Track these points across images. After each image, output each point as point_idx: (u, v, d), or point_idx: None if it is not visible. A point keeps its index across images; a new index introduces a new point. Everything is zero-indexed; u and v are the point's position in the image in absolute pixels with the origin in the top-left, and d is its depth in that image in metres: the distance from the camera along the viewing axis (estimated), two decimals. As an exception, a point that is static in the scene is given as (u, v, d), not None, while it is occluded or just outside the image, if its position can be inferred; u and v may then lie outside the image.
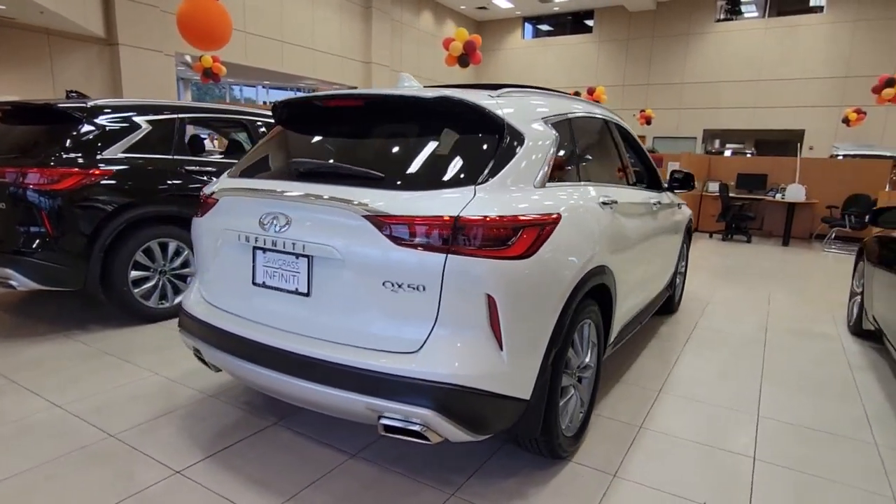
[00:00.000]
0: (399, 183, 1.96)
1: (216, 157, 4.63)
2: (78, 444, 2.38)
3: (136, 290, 3.88)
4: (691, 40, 20.50)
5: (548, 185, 2.16)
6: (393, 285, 1.83)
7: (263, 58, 15.31)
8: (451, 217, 1.80)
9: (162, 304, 4.05)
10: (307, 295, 2.01)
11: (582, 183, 2.53)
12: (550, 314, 2.03)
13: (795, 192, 8.92)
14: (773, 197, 9.44)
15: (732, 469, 2.37)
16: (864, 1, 17.71)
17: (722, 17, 20.47)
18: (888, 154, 14.06)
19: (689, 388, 3.19)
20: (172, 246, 4.06)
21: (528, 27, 24.91)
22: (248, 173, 2.38)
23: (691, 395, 3.09)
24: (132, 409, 2.71)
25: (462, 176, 1.95)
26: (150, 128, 4.03)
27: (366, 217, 1.86)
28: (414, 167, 2.03)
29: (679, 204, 4.37)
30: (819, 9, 18.80)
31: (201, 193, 2.45)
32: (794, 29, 18.92)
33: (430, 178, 1.96)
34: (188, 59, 14.41)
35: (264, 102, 20.41)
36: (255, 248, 2.14)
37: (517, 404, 1.96)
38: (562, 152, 2.38)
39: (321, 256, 1.95)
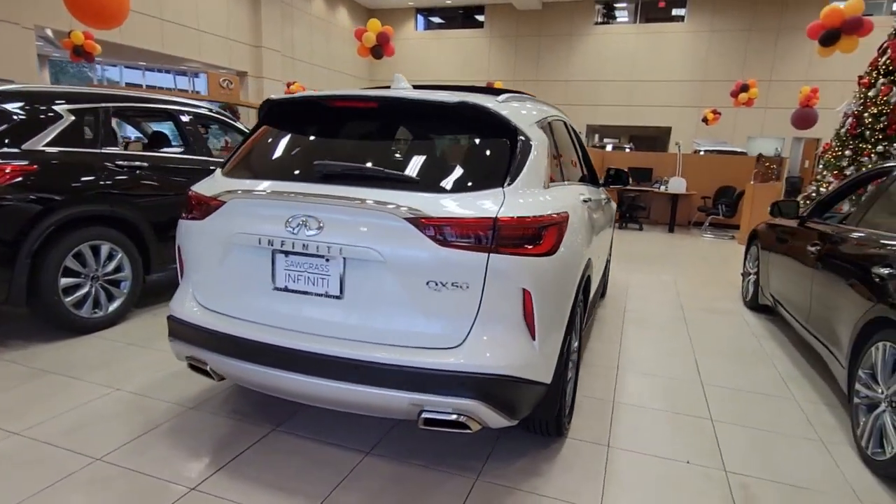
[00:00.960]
0: (430, 185, 2.03)
1: (150, 151, 4.25)
2: (63, 471, 2.16)
3: (67, 300, 3.49)
4: (574, 41, 21.93)
5: (549, 185, 2.35)
6: (436, 284, 1.91)
7: (141, 37, 13.93)
8: (490, 218, 1.91)
9: (96, 312, 3.69)
10: (339, 297, 2.02)
11: (565, 182, 2.75)
12: (567, 305, 2.23)
13: (678, 185, 10.03)
14: (659, 189, 10.54)
15: (698, 430, 2.75)
16: (718, 14, 20.10)
17: (600, 20, 22.12)
18: (739, 150, 16.23)
19: (640, 364, 3.59)
20: (105, 249, 3.70)
21: (421, 19, 25.09)
22: (253, 174, 2.29)
23: (644, 371, 3.48)
24: (108, 430, 2.49)
25: (488, 179, 2.06)
26: (74, 118, 3.62)
27: (408, 219, 1.91)
28: (441, 170, 2.11)
29: (608, 198, 4.80)
30: (681, 18, 21.02)
31: (195, 194, 2.31)
32: (661, 35, 20.97)
33: (459, 181, 2.05)
34: (49, 32, 12.74)
35: (126, 84, 18.49)
36: (275, 251, 2.08)
37: (542, 388, 2.13)
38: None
39: (357, 259, 1.97)
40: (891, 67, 9.56)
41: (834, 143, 10.20)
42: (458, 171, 2.11)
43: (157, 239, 4.04)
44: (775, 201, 4.14)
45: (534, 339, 2.01)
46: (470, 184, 2.04)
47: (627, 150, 19.92)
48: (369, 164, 2.15)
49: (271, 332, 2.09)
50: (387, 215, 1.93)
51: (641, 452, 2.51)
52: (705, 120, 18.76)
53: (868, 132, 9.70)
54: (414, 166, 2.15)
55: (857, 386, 2.64)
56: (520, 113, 2.34)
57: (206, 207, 2.24)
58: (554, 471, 2.33)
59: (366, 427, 2.60)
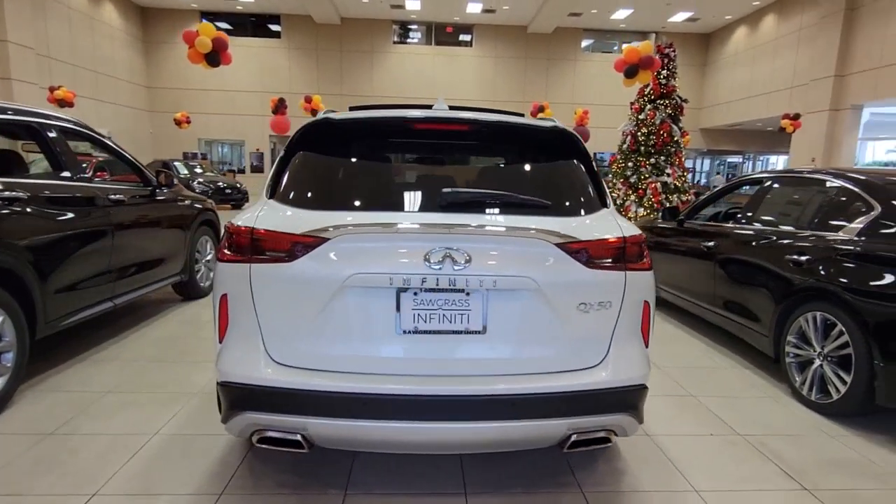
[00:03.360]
0: (557, 209, 2.06)
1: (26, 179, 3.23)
2: None
3: (-59, 388, 2.49)
4: (376, 57, 22.50)
5: None
6: (586, 305, 1.95)
7: None
8: (621, 238, 2.02)
9: (-23, 400, 2.69)
10: (481, 332, 1.90)
11: None
12: None
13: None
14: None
15: (693, 406, 3.21)
16: (499, 42, 22.64)
17: (397, 39, 23.10)
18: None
19: (599, 358, 3.98)
20: (-17, 311, 2.73)
21: (206, 23, 22.97)
22: (341, 205, 2.00)
23: (609, 363, 3.87)
24: (138, 546, 1.90)
25: (592, 200, 2.16)
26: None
27: (558, 245, 1.91)
28: (556, 194, 2.14)
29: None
30: (468, 43, 23.15)
31: (269, 231, 1.91)
32: (455, 58, 22.79)
33: (575, 204, 2.12)
34: None
35: None
36: (400, 291, 1.86)
37: None
38: None
39: (505, 289, 1.88)
40: (653, 96, 12.02)
41: (619, 157, 12.47)
42: (571, 194, 2.15)
43: (42, 289, 3.11)
44: (665, 208, 5.00)
45: (646, 346, 2.16)
46: (583, 206, 2.12)
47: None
48: (490, 190, 2.07)
49: (401, 382, 1.87)
50: (539, 242, 1.90)
51: (675, 434, 2.85)
52: (499, 135, 20.96)
53: (643, 147, 12.05)
54: (533, 191, 2.14)
55: (788, 349, 3.39)
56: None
57: (294, 247, 1.88)
58: (633, 467, 2.52)
59: (430, 467, 2.44)
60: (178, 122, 20.76)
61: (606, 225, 2.05)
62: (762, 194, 4.13)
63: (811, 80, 15.97)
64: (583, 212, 2.09)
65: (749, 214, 4.13)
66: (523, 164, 2.27)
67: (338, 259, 1.86)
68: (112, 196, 3.86)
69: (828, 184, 3.54)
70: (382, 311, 1.88)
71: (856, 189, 3.28)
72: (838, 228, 3.25)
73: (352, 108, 2.54)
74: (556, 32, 22.31)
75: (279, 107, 17.13)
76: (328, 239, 1.86)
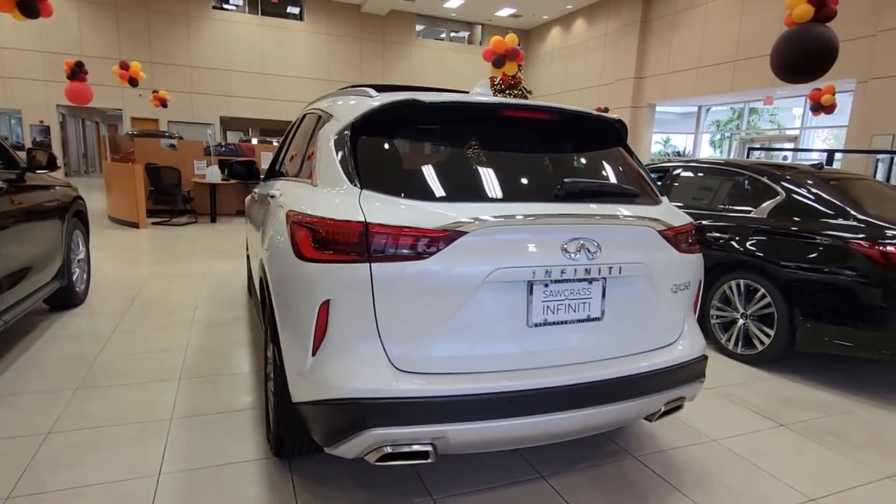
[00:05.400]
0: (640, 198, 2.16)
1: None
2: None
3: None
4: (193, 23, 20.07)
5: None
6: (676, 287, 2.12)
7: None
8: (692, 223, 2.23)
9: None
10: (599, 319, 1.95)
11: None
12: None
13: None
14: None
15: (655, 369, 3.63)
16: (332, 19, 21.84)
17: (216, 4, 20.86)
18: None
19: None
20: None
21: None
22: (463, 196, 1.84)
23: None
24: None
25: (655, 189, 2.32)
26: None
27: (659, 231, 2.03)
28: (636, 183, 2.23)
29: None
30: (298, 16, 21.91)
31: (405, 228, 1.68)
32: (284, 31, 21.40)
33: (647, 192, 2.25)
34: None
35: None
36: (532, 283, 1.81)
37: None
38: None
39: (621, 276, 1.95)
40: (503, 87, 12.87)
41: (472, 142, 13.12)
42: (642, 184, 2.27)
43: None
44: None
45: (694, 318, 2.42)
46: (653, 195, 2.26)
47: (274, 143, 19.85)
48: (601, 180, 2.09)
49: (537, 376, 1.83)
50: (648, 230, 1.99)
51: (663, 395, 3.21)
52: (338, 117, 20.33)
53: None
54: (613, 180, 2.20)
55: (713, 312, 4.02)
56: None
57: (427, 243, 1.69)
58: (655, 429, 2.79)
59: (489, 458, 2.43)
60: (-81, 83, 16.17)
61: (675, 212, 2.23)
62: (673, 181, 4.75)
63: (616, 79, 18.50)
64: (655, 200, 2.24)
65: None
66: (596, 154, 2.33)
67: (478, 254, 1.74)
68: (-12, 182, 2.96)
69: (738, 174, 4.23)
70: (515, 306, 1.81)
71: (763, 178, 3.99)
72: (751, 210, 3.93)
73: (377, 88, 2.33)
74: (391, 15, 22.30)
75: (76, 72, 14.29)
76: (465, 233, 1.72)
